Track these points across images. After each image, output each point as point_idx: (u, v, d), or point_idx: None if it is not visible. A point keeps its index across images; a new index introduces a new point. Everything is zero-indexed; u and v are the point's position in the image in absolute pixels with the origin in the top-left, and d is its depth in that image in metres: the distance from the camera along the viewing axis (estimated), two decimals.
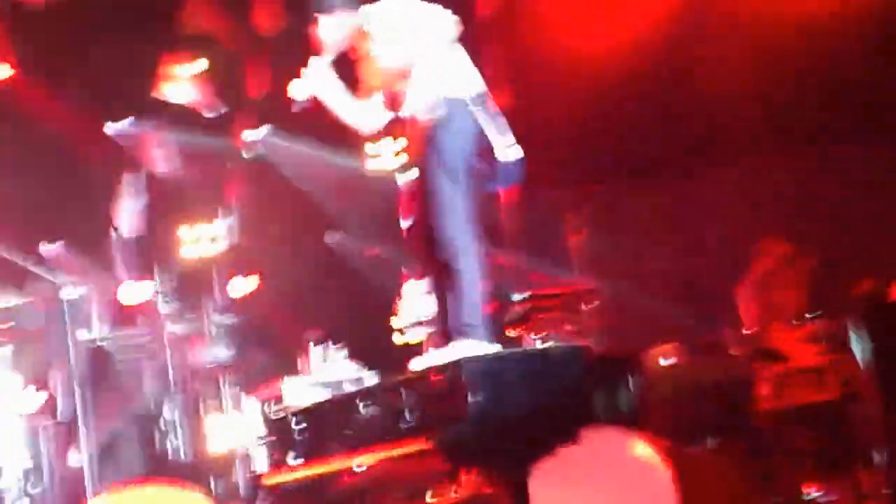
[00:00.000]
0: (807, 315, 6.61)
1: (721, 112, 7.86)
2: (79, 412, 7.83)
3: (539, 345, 6.37)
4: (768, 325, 6.74)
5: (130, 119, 9.26)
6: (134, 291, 8.78)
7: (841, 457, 5.96)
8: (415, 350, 7.02)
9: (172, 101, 8.98)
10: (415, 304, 6.82)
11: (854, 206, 7.77)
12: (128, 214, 8.86)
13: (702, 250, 7.12)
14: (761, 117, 7.81)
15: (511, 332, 6.49)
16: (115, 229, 8.88)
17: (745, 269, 7.01)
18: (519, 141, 5.25)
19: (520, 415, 4.17)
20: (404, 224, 5.23)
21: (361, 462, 4.30)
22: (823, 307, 6.58)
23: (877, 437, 5.54)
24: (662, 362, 6.80)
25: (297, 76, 7.39)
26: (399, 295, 7.21)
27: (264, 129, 9.47)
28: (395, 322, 8.54)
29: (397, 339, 9.16)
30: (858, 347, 5.52)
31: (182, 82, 9.13)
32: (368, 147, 10.01)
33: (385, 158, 9.91)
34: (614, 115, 8.01)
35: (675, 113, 8.05)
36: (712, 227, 7.08)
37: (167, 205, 9.30)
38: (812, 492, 5.83)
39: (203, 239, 9.28)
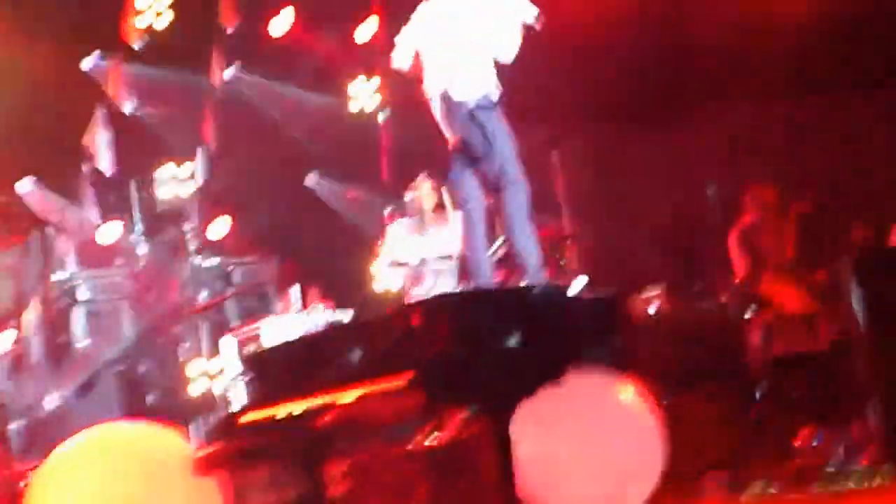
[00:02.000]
0: (799, 261, 6.51)
1: (716, 58, 7.72)
2: (51, 352, 7.70)
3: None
4: (759, 271, 6.62)
5: (104, 53, 9.01)
6: (110, 231, 8.60)
7: (832, 406, 5.87)
8: (393, 294, 6.91)
9: (146, 35, 8.72)
10: (395, 246, 6.67)
11: (848, 152, 7.65)
12: (102, 151, 8.65)
13: (692, 195, 6.97)
14: (756, 64, 7.67)
15: (495, 274, 6.35)
16: (89, 165, 8.68)
17: (736, 215, 6.87)
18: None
19: (503, 355, 4.06)
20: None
21: (340, 401, 4.17)
22: (816, 254, 6.46)
23: (868, 387, 5.44)
24: (651, 307, 6.68)
25: (277, 12, 7.14)
26: (380, 237, 7.06)
27: (240, 66, 9.26)
28: (374, 265, 8.40)
29: (377, 283, 9.03)
30: (852, 294, 5.39)
31: (155, 16, 8.85)
32: (349, 88, 9.83)
33: (365, 99, 9.74)
34: (608, 57, 7.85)
35: (670, 57, 7.91)
36: (703, 172, 6.92)
37: (143, 142, 9.09)
38: (802, 441, 5.75)
39: (180, 178, 9.08)
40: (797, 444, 5.77)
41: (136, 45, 8.79)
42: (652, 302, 6.72)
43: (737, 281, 6.62)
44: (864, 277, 5.35)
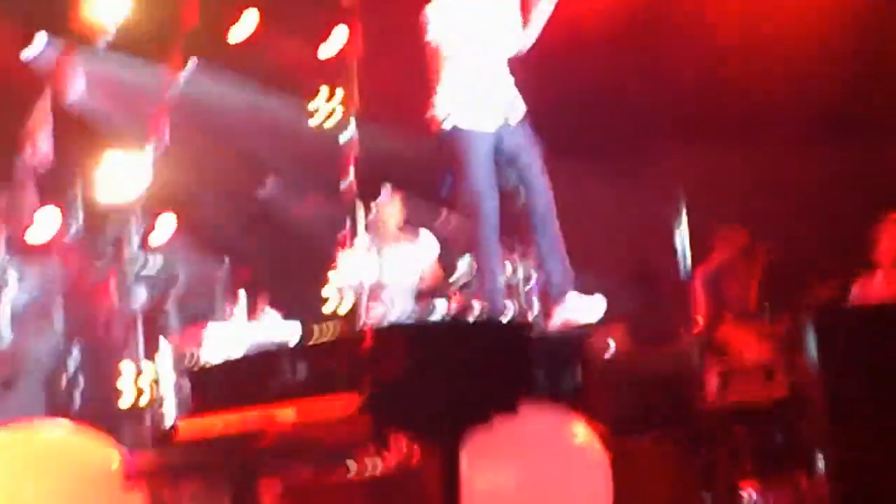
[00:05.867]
0: (761, 310, 6.54)
1: (687, 97, 7.80)
2: None
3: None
4: (721, 317, 6.65)
5: (49, 41, 8.76)
6: (46, 221, 8.32)
7: (781, 457, 5.88)
8: (346, 317, 6.75)
9: (96, 25, 8.49)
10: (351, 267, 6.52)
11: (817, 203, 7.73)
12: (44, 139, 8.36)
13: (657, 236, 6.95)
14: (728, 105, 7.75)
15: (452, 302, 6.26)
16: (30, 153, 8.38)
17: (701, 258, 6.87)
18: None
19: (456, 383, 3.94)
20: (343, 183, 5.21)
21: (282, 420, 4.02)
22: (779, 303, 6.49)
23: (819, 441, 5.43)
24: (609, 347, 6.63)
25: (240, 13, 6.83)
26: (333, 257, 6.90)
27: (198, 65, 9.05)
28: (329, 280, 8.23)
29: (329, 306, 8.85)
30: (810, 349, 5.37)
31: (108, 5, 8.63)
32: (311, 101, 9.70)
33: (326, 114, 9.61)
34: (576, 91, 7.85)
35: (639, 93, 7.95)
36: (669, 213, 6.90)
37: (88, 135, 8.86)
38: (749, 490, 5.75)
39: (125, 177, 8.83)
40: (744, 493, 5.76)
41: (90, 36, 8.57)
42: (611, 341, 6.67)
43: (698, 325, 6.63)
44: (823, 333, 5.32)
